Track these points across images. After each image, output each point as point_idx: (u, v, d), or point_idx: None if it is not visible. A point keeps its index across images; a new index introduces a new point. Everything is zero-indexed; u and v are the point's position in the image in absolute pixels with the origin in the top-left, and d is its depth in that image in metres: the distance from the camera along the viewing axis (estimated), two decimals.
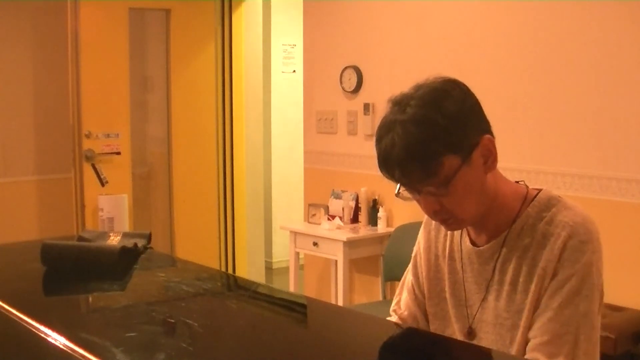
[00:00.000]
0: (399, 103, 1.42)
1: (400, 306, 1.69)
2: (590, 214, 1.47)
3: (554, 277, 1.41)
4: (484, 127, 1.45)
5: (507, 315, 1.47)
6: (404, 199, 1.48)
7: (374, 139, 1.44)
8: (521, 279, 1.45)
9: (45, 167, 5.00)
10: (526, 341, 1.43)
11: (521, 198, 1.50)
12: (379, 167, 1.43)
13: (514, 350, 1.45)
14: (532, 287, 1.43)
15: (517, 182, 1.56)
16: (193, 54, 5.37)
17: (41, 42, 4.94)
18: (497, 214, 1.49)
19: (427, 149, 1.36)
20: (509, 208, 1.49)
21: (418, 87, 1.43)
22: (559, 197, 1.50)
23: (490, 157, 1.44)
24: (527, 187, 1.54)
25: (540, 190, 1.52)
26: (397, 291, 1.73)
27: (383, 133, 1.41)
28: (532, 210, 1.48)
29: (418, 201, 1.46)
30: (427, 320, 1.65)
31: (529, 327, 1.43)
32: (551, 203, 1.48)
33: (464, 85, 1.46)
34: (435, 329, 1.61)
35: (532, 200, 1.49)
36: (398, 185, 1.45)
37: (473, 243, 1.55)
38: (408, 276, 1.70)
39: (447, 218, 1.45)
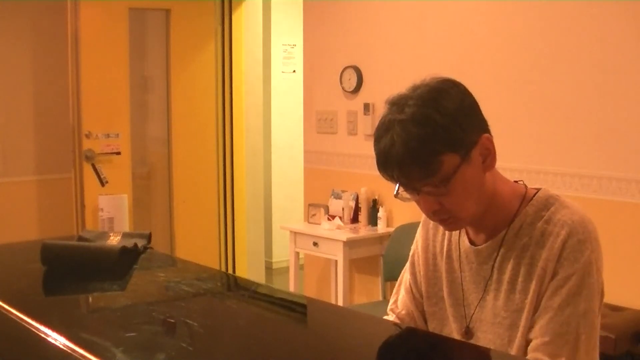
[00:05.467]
0: (397, 103, 1.42)
1: (398, 305, 1.69)
2: (589, 214, 1.48)
3: (554, 276, 1.42)
4: (483, 125, 1.45)
5: (505, 314, 1.47)
6: (403, 199, 1.48)
7: (373, 139, 1.45)
8: (520, 279, 1.46)
9: (45, 167, 4.99)
10: (527, 341, 1.43)
11: (520, 197, 1.51)
12: (378, 167, 1.43)
13: (512, 350, 1.45)
14: (532, 286, 1.43)
15: (516, 181, 1.56)
16: (193, 54, 5.37)
17: (41, 42, 4.94)
18: (496, 213, 1.49)
19: (427, 148, 1.36)
20: (508, 207, 1.49)
21: (415, 88, 1.44)
22: (557, 195, 1.50)
23: (489, 156, 1.44)
24: (525, 186, 1.54)
25: (539, 189, 1.52)
26: (395, 290, 1.73)
27: (382, 133, 1.41)
28: (530, 210, 1.48)
29: (417, 201, 1.46)
30: (425, 320, 1.65)
31: (529, 327, 1.43)
32: (549, 202, 1.48)
33: (461, 84, 1.46)
34: (433, 328, 1.61)
35: (531, 199, 1.50)
36: (397, 185, 1.45)
37: (471, 242, 1.55)
38: (406, 275, 1.70)
39: (446, 218, 1.46)
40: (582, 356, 1.40)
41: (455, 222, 1.47)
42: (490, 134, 1.45)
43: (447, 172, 1.38)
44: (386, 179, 1.43)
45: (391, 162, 1.39)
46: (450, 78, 1.46)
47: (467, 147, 1.40)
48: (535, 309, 1.43)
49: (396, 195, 1.47)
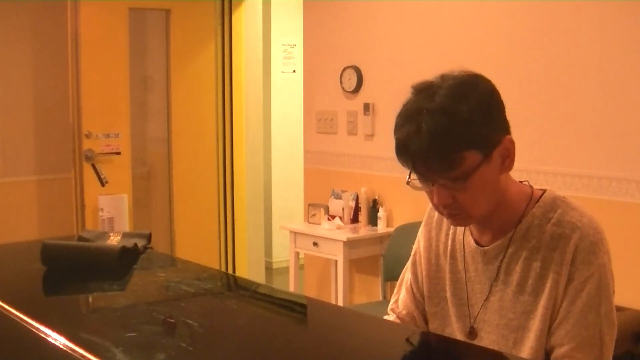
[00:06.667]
0: (426, 91, 1.40)
1: (399, 305, 1.69)
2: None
3: (570, 281, 1.41)
4: (506, 127, 1.44)
5: (512, 316, 1.47)
6: (414, 188, 1.46)
7: (395, 124, 1.41)
8: (530, 281, 1.45)
9: (45, 167, 4.99)
10: (541, 345, 1.43)
11: (526, 198, 1.50)
12: (398, 153, 1.40)
13: (520, 352, 1.45)
14: (546, 290, 1.43)
15: (521, 182, 1.55)
16: (193, 54, 5.37)
17: (41, 42, 4.94)
18: (503, 213, 1.48)
19: (452, 142, 1.35)
20: (515, 208, 1.49)
21: (444, 78, 1.41)
22: (564, 197, 1.50)
23: (508, 158, 1.43)
24: (531, 187, 1.53)
25: (544, 190, 1.51)
26: (395, 290, 1.73)
27: (406, 119, 1.39)
28: (537, 211, 1.48)
29: (429, 192, 1.44)
30: (425, 320, 1.64)
31: (543, 331, 1.42)
32: (556, 203, 1.48)
33: (490, 81, 1.45)
34: (434, 328, 1.61)
35: (538, 200, 1.49)
36: (410, 172, 1.43)
37: (477, 242, 1.54)
38: (407, 275, 1.70)
39: (456, 213, 1.44)
40: (608, 355, 1.42)
41: (465, 218, 1.46)
42: (511, 136, 1.43)
43: (467, 169, 1.37)
44: (402, 165, 1.41)
45: (413, 151, 1.37)
46: (480, 74, 1.45)
47: (490, 147, 1.39)
48: (551, 313, 1.42)
49: (408, 183, 1.46)
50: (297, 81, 6.09)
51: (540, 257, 1.45)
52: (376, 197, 4.31)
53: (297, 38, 6.18)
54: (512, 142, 1.43)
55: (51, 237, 1.91)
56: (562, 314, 1.41)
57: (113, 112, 4.99)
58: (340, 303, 4.15)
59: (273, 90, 6.64)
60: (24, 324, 1.35)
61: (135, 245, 1.85)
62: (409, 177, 1.44)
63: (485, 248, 1.52)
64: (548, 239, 1.45)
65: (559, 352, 1.41)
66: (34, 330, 1.32)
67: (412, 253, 1.69)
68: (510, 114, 1.46)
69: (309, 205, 4.64)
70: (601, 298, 1.41)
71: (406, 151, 1.38)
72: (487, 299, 1.51)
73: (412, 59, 4.09)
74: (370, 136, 4.33)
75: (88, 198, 4.88)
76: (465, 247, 1.56)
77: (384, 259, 4.08)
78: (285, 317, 1.59)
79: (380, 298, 4.19)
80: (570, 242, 1.42)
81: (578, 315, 1.40)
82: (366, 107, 4.34)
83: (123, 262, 1.78)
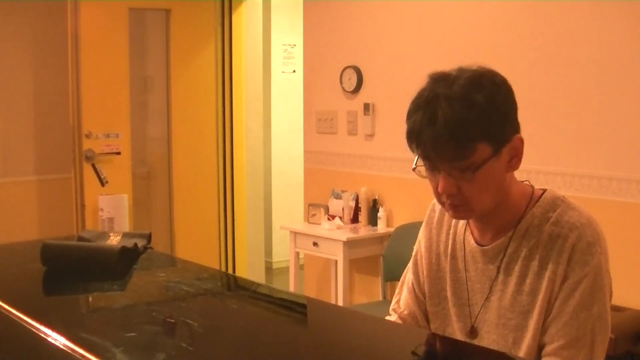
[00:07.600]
0: (445, 79, 1.41)
1: (400, 305, 1.69)
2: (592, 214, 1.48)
3: (565, 280, 1.41)
4: (517, 126, 1.46)
5: (511, 315, 1.47)
6: (419, 175, 1.46)
7: (408, 110, 1.41)
8: (528, 280, 1.45)
9: (45, 167, 4.99)
10: (536, 343, 1.43)
11: (527, 198, 1.51)
12: (408, 138, 1.41)
13: (519, 351, 1.45)
14: (542, 289, 1.43)
15: (522, 181, 1.56)
16: (193, 54, 5.37)
17: (41, 42, 4.94)
18: (504, 212, 1.49)
19: (467, 130, 1.36)
20: (516, 207, 1.49)
21: (461, 70, 1.42)
22: (563, 197, 1.50)
23: (516, 157, 1.45)
24: (532, 186, 1.54)
25: (545, 190, 1.52)
26: (397, 290, 1.73)
27: (422, 105, 1.39)
28: (537, 211, 1.48)
29: (434, 181, 1.44)
30: (427, 320, 1.64)
31: (539, 330, 1.43)
32: (556, 203, 1.48)
33: (506, 79, 1.45)
34: (435, 328, 1.61)
35: (538, 200, 1.49)
36: (416, 158, 1.43)
37: (477, 242, 1.54)
38: (408, 275, 1.70)
39: (459, 204, 1.44)
40: (599, 356, 1.41)
41: (467, 211, 1.46)
42: (521, 136, 1.44)
43: (477, 160, 1.38)
44: (412, 150, 1.42)
45: (427, 136, 1.37)
46: (498, 72, 1.45)
47: (501, 143, 1.41)
48: (546, 312, 1.42)
49: (414, 169, 1.46)
50: (297, 81, 6.08)
51: (538, 256, 1.45)
52: (376, 197, 4.31)
53: (297, 38, 6.18)
54: (521, 142, 1.45)
55: (51, 237, 1.91)
56: (555, 312, 1.42)
57: (113, 112, 4.99)
58: (340, 303, 4.15)
59: (273, 90, 6.64)
60: (24, 324, 1.35)
61: (135, 245, 1.85)
62: (416, 164, 1.44)
63: (486, 248, 1.52)
64: (546, 239, 1.45)
65: (548, 349, 1.42)
66: (34, 330, 1.32)
67: (413, 253, 1.70)
68: None
69: (309, 205, 4.64)
70: (594, 298, 1.41)
71: (418, 136, 1.39)
72: (487, 299, 1.51)
73: (412, 59, 4.09)
74: (370, 136, 4.33)
75: (88, 198, 4.88)
76: (466, 246, 1.56)
77: (384, 259, 4.08)
78: (285, 317, 1.59)
79: (380, 298, 4.19)
80: (567, 242, 1.42)
81: (570, 314, 1.40)
82: (366, 107, 4.34)
83: (123, 262, 1.78)
